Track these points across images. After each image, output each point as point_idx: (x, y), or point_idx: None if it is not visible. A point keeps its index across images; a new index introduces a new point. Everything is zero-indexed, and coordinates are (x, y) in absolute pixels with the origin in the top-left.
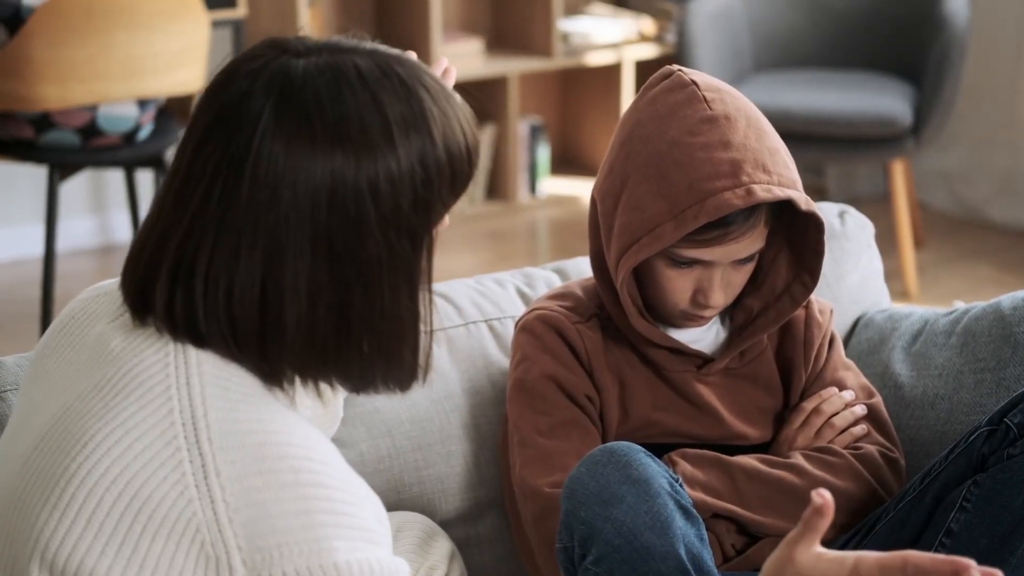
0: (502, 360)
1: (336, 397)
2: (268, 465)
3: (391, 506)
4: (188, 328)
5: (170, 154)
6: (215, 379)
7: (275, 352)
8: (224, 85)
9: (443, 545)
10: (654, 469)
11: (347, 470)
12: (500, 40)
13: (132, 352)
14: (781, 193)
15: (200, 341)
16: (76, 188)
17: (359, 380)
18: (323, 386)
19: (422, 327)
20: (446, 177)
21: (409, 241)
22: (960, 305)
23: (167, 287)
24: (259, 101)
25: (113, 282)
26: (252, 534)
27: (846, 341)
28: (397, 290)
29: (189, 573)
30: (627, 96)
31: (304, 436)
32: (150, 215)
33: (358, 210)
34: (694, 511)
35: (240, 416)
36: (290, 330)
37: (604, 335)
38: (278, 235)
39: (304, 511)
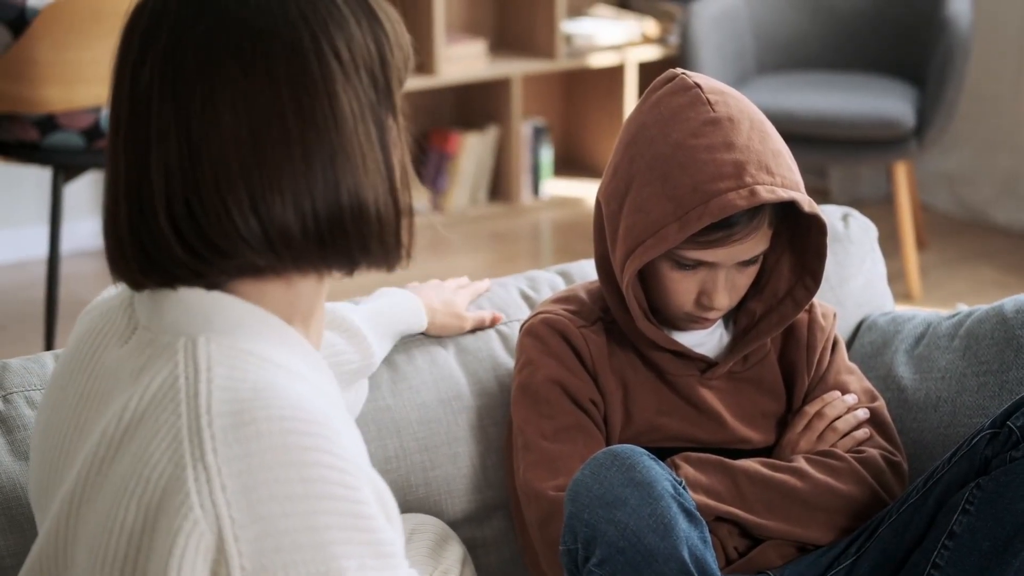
0: (509, 362)
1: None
2: (276, 474)
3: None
4: (217, 255)
5: None
6: (225, 379)
7: (278, 245)
8: (142, 5)
9: (456, 550)
10: (657, 472)
11: (354, 444)
12: (503, 42)
13: (146, 375)
14: (784, 194)
15: (234, 263)
16: (80, 190)
17: (351, 256)
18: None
19: (400, 196)
20: (397, 47)
21: (373, 89)
22: (963, 308)
23: (176, 239)
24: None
25: (114, 295)
26: (257, 552)
27: (849, 344)
28: (371, 145)
29: None
30: (630, 98)
31: (313, 409)
32: (110, 171)
33: (322, 71)
34: (697, 514)
35: (246, 416)
36: (281, 220)
37: (608, 339)
38: (235, 127)
39: (313, 527)
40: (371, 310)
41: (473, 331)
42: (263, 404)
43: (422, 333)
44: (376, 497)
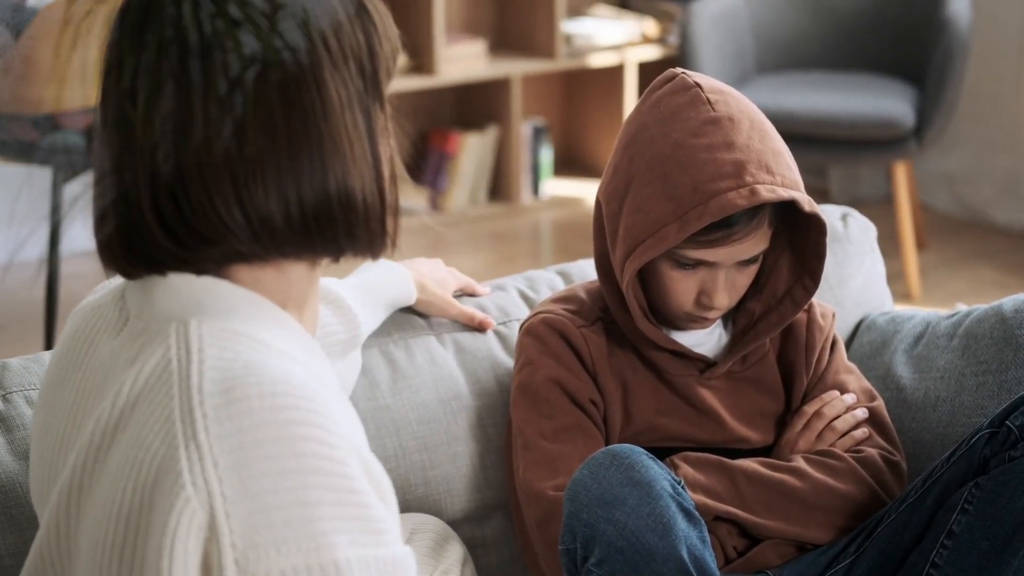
0: (508, 362)
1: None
2: (267, 450)
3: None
4: (201, 243)
5: None
6: (216, 359)
7: (261, 234)
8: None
9: (456, 550)
10: (656, 471)
11: (347, 422)
12: (503, 42)
13: (140, 361)
14: (784, 194)
15: (219, 250)
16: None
17: (338, 243)
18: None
19: (386, 184)
20: (386, 37)
21: (361, 79)
22: (962, 307)
23: (160, 228)
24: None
25: (103, 294)
26: (249, 528)
27: (848, 344)
28: (358, 134)
29: None
30: (630, 98)
31: (303, 386)
32: (97, 163)
33: (310, 59)
34: (696, 513)
35: (238, 393)
36: (264, 209)
37: (608, 339)
38: (220, 117)
39: (304, 502)
40: (358, 282)
41: (461, 325)
42: (255, 382)
43: (410, 309)
44: (365, 472)
